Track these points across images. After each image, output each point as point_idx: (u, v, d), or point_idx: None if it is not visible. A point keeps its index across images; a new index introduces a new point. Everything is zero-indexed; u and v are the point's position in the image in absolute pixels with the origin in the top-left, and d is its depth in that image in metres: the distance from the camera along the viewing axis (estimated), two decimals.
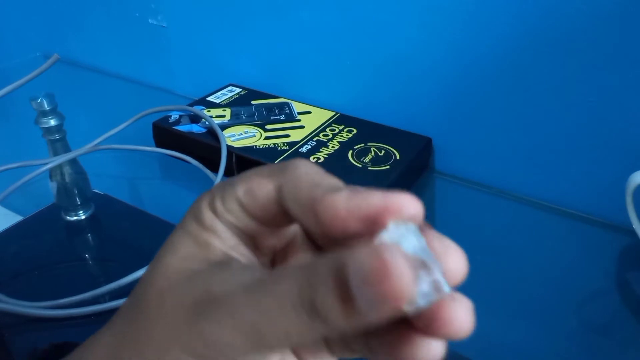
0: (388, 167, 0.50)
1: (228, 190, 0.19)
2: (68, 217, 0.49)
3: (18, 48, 0.92)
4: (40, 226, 0.48)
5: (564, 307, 0.41)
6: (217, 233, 0.19)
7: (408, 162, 0.51)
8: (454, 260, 0.17)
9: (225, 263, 0.19)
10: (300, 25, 0.61)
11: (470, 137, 0.54)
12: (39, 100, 0.45)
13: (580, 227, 0.49)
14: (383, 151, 0.52)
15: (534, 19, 0.46)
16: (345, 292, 0.14)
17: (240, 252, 0.19)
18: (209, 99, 0.63)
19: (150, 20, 0.73)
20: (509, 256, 0.46)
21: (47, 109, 0.45)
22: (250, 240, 0.20)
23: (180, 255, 0.19)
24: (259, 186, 0.19)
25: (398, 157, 0.52)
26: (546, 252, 0.46)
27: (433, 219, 0.51)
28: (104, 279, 0.41)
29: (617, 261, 0.46)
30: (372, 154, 0.52)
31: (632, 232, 0.44)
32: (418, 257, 0.15)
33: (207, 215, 0.19)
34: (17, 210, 0.50)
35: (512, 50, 0.49)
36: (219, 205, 0.19)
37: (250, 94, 0.65)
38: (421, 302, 0.15)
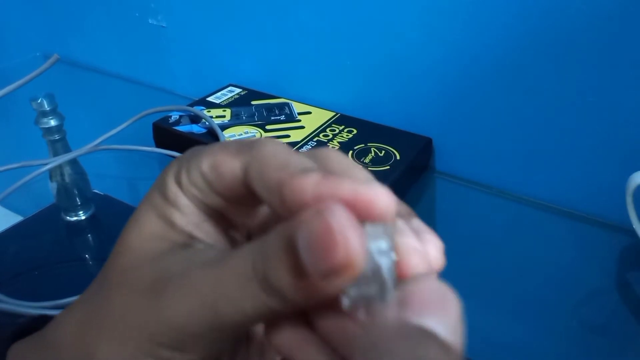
0: (388, 167, 0.50)
1: (193, 163, 0.18)
2: (68, 218, 0.49)
3: (18, 48, 0.92)
4: (40, 226, 0.48)
5: (564, 307, 0.41)
6: (181, 209, 0.18)
7: (408, 162, 0.51)
8: (431, 251, 0.16)
9: (187, 243, 0.18)
10: (300, 25, 0.61)
11: (470, 137, 0.54)
12: (39, 101, 0.45)
13: (580, 227, 0.49)
14: (383, 151, 0.52)
15: (533, 19, 0.46)
16: (295, 262, 0.14)
17: (205, 230, 0.19)
18: (209, 99, 0.63)
19: (150, 20, 0.73)
20: (509, 256, 0.46)
21: (47, 109, 0.45)
22: (219, 215, 0.19)
23: (144, 234, 0.18)
24: (224, 163, 0.18)
25: (398, 157, 0.52)
26: (546, 252, 0.46)
27: (433, 219, 0.51)
28: None
29: (617, 261, 0.46)
30: (372, 154, 0.52)
31: (632, 232, 0.44)
32: (376, 262, 0.14)
33: (172, 189, 0.18)
34: (17, 210, 0.50)
35: (512, 50, 0.49)
36: (184, 177, 0.18)
37: (250, 94, 0.65)
38: (362, 292, 0.14)
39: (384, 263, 0.14)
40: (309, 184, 0.15)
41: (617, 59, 0.44)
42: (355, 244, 0.13)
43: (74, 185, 0.50)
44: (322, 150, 0.19)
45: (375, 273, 0.14)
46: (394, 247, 0.15)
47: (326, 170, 0.16)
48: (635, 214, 0.44)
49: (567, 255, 0.46)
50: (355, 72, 0.59)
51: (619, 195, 0.44)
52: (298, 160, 0.16)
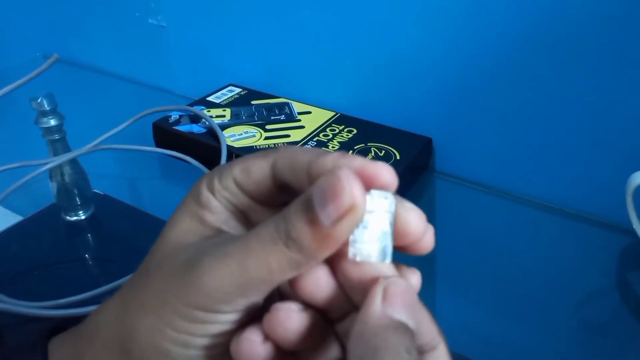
0: None
1: (226, 170, 0.22)
2: (68, 217, 0.49)
3: (18, 48, 0.91)
4: (40, 226, 0.48)
5: (563, 307, 0.41)
6: (211, 209, 0.21)
7: (408, 162, 0.51)
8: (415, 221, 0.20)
9: (217, 235, 0.21)
10: (300, 25, 0.61)
11: (470, 137, 0.54)
12: (39, 100, 0.45)
13: (580, 227, 0.49)
14: (383, 151, 0.52)
15: (533, 19, 0.46)
16: (312, 215, 0.17)
17: (231, 225, 0.22)
18: (209, 99, 0.63)
19: (150, 20, 0.73)
20: (509, 256, 0.46)
21: (47, 109, 0.45)
22: (243, 216, 0.22)
23: (179, 230, 0.21)
24: (253, 164, 0.21)
25: (398, 157, 0.52)
26: (546, 252, 0.46)
27: (433, 219, 0.51)
28: (104, 279, 0.41)
29: (617, 261, 0.46)
30: (372, 154, 0.52)
31: (632, 232, 0.44)
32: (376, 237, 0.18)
33: (204, 194, 0.22)
34: (17, 210, 0.50)
35: (512, 50, 0.49)
36: (216, 183, 0.21)
37: (250, 94, 0.65)
38: (365, 248, 0.18)
39: (384, 220, 0.18)
40: (330, 159, 0.19)
41: (617, 59, 0.44)
42: (358, 189, 0.17)
43: (74, 185, 0.50)
44: (284, 146, 0.25)
45: (376, 232, 0.18)
46: (394, 210, 0.19)
47: (292, 153, 0.21)
48: (635, 214, 0.44)
49: (567, 255, 0.46)
50: (355, 72, 0.59)
51: (619, 195, 0.44)
52: (320, 149, 0.20)
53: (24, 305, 0.38)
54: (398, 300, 0.18)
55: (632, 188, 0.42)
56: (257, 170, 0.21)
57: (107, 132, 0.55)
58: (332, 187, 0.17)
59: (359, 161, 0.19)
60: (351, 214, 0.17)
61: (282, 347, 0.20)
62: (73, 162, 0.50)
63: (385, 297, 0.18)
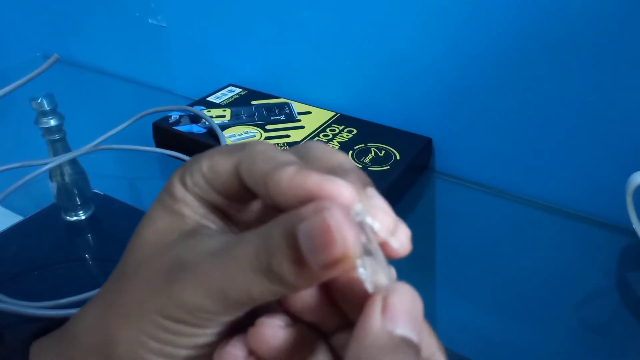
0: (388, 167, 0.50)
1: (195, 166, 0.21)
2: (68, 217, 0.49)
3: (18, 48, 0.92)
4: (40, 226, 0.48)
5: (563, 307, 0.41)
6: (187, 203, 0.21)
7: (408, 162, 0.51)
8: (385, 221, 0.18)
9: (195, 230, 0.20)
10: (300, 26, 0.61)
11: (470, 137, 0.54)
12: (39, 100, 0.45)
13: (580, 227, 0.49)
14: (383, 151, 0.52)
15: (533, 19, 0.46)
16: (297, 253, 0.16)
17: (210, 219, 0.21)
18: (209, 99, 0.63)
19: (150, 20, 0.73)
20: (509, 256, 0.46)
21: (47, 109, 0.45)
22: (221, 212, 0.21)
23: (156, 228, 0.21)
24: (219, 163, 0.20)
25: (398, 157, 0.52)
26: (546, 252, 0.46)
27: (433, 219, 0.51)
28: (104, 279, 0.41)
29: (617, 261, 0.46)
30: (372, 154, 0.52)
31: (632, 232, 0.44)
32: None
33: (178, 188, 0.21)
34: (17, 210, 0.50)
35: (512, 50, 0.49)
36: (188, 180, 0.20)
37: (250, 94, 0.65)
38: (363, 274, 0.16)
39: (375, 239, 0.17)
40: (285, 175, 0.17)
41: (617, 59, 0.44)
42: (351, 240, 0.15)
43: (74, 185, 0.50)
44: (307, 143, 0.21)
45: (380, 258, 0.17)
46: (372, 223, 0.17)
47: (309, 161, 0.20)
48: (635, 214, 0.44)
49: (567, 255, 0.46)
50: (355, 72, 0.59)
51: (619, 195, 0.44)
52: (282, 155, 0.19)
53: (24, 305, 0.38)
54: (400, 311, 0.16)
55: (632, 188, 0.42)
56: (223, 171, 0.20)
57: (107, 132, 0.55)
58: (321, 234, 0.15)
59: (314, 179, 0.17)
60: (344, 263, 0.15)
61: None
62: (73, 162, 0.50)
63: (384, 308, 0.16)
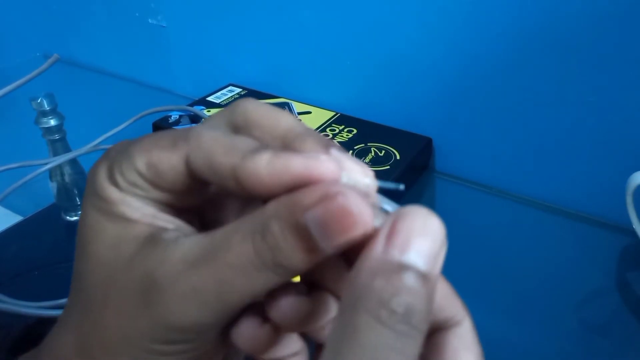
0: (388, 167, 0.50)
1: (125, 163, 0.18)
2: (68, 217, 0.49)
3: (18, 48, 0.92)
4: (40, 226, 0.48)
5: (564, 306, 0.41)
6: (129, 204, 0.18)
7: (408, 162, 0.51)
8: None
9: (154, 236, 0.17)
10: (300, 25, 0.61)
11: (470, 137, 0.54)
12: (39, 100, 0.45)
13: (580, 227, 0.49)
14: (383, 151, 0.52)
15: (533, 19, 0.46)
16: (309, 243, 0.15)
17: (163, 219, 0.18)
18: (209, 99, 0.63)
19: (150, 20, 0.73)
20: (509, 256, 0.46)
21: (47, 109, 0.45)
22: (168, 205, 0.19)
23: (104, 241, 0.17)
24: (161, 160, 0.17)
25: (398, 157, 0.52)
26: (546, 252, 0.46)
27: None
28: None
29: (617, 261, 0.46)
30: (372, 154, 0.52)
31: (632, 232, 0.44)
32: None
33: (110, 190, 0.18)
34: (17, 210, 0.50)
35: (512, 50, 0.49)
36: (119, 179, 0.17)
37: (250, 94, 0.65)
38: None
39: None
40: (262, 165, 0.16)
41: (617, 59, 0.44)
42: (370, 216, 0.15)
43: (74, 185, 0.50)
44: (239, 107, 0.20)
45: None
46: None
47: (254, 130, 0.19)
48: (635, 214, 0.44)
49: (567, 255, 0.46)
50: (355, 72, 0.59)
51: (619, 195, 0.44)
52: (240, 141, 0.17)
53: (24, 305, 0.38)
54: (407, 236, 0.14)
55: (632, 188, 0.42)
56: (168, 169, 0.17)
57: (107, 132, 0.55)
58: (338, 219, 0.14)
59: (297, 163, 0.16)
60: (361, 235, 0.15)
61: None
62: (73, 162, 0.50)
63: (390, 234, 0.14)
